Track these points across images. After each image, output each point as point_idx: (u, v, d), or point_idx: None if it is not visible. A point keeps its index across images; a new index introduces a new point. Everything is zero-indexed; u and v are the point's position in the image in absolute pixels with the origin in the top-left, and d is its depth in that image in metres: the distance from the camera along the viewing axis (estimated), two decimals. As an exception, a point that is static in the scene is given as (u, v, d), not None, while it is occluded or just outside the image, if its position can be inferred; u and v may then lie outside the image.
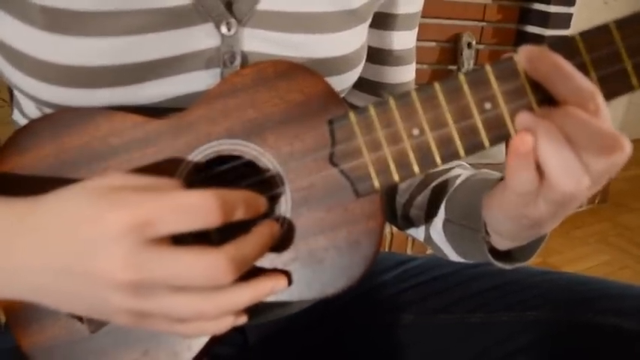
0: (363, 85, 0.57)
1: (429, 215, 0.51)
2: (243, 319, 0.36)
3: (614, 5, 2.28)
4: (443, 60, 1.89)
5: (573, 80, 0.31)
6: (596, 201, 2.00)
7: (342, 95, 0.52)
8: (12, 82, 0.43)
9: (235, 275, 0.32)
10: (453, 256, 0.50)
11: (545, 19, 1.91)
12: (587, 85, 0.31)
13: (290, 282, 0.38)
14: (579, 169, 0.31)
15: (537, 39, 1.95)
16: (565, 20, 1.94)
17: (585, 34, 0.32)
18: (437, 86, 0.35)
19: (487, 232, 0.43)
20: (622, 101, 2.37)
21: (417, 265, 0.58)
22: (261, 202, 0.36)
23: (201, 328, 0.35)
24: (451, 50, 1.89)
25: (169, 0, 0.40)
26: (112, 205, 0.30)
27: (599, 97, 0.31)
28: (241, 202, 0.33)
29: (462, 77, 0.34)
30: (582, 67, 0.32)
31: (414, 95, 0.35)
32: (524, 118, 0.32)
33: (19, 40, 0.40)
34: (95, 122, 0.40)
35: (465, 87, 0.34)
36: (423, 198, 0.52)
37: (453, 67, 1.90)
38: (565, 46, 0.32)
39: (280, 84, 0.39)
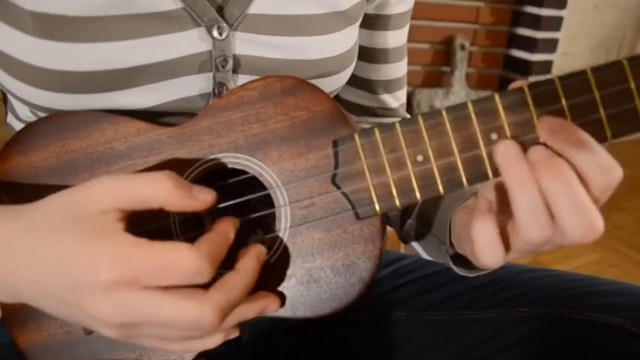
0: (357, 82, 0.57)
1: (404, 218, 0.52)
2: (234, 334, 0.36)
3: (604, 9, 2.30)
4: (436, 61, 1.90)
5: (596, 156, 0.31)
6: (587, 202, 2.01)
7: (334, 95, 0.52)
8: (5, 87, 0.42)
9: (220, 323, 0.32)
10: (425, 256, 0.51)
11: (536, 22, 1.94)
12: (608, 160, 0.31)
13: (284, 300, 0.38)
14: (591, 208, 0.31)
15: (529, 41, 1.97)
16: (556, 23, 1.97)
17: (596, 70, 0.32)
18: (444, 113, 0.34)
19: (452, 244, 0.43)
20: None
21: (409, 263, 0.59)
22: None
23: (192, 346, 0.35)
24: (444, 52, 1.90)
25: (161, 5, 0.40)
26: (109, 260, 0.30)
27: (618, 174, 0.31)
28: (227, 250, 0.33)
29: (470, 106, 0.33)
30: (592, 104, 0.32)
31: (421, 121, 0.34)
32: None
33: (12, 46, 0.40)
34: (100, 126, 0.40)
35: (473, 116, 0.34)
36: None
37: (447, 69, 1.92)
38: (576, 82, 0.32)
39: (287, 100, 0.38)
